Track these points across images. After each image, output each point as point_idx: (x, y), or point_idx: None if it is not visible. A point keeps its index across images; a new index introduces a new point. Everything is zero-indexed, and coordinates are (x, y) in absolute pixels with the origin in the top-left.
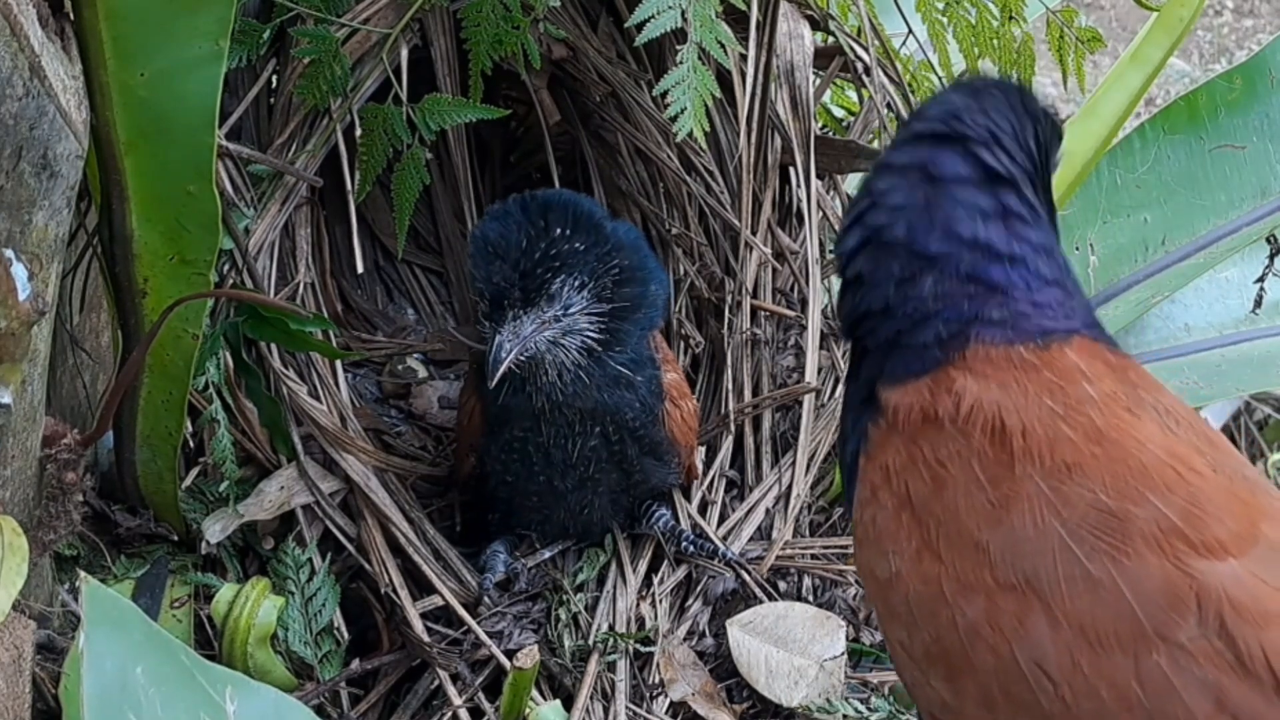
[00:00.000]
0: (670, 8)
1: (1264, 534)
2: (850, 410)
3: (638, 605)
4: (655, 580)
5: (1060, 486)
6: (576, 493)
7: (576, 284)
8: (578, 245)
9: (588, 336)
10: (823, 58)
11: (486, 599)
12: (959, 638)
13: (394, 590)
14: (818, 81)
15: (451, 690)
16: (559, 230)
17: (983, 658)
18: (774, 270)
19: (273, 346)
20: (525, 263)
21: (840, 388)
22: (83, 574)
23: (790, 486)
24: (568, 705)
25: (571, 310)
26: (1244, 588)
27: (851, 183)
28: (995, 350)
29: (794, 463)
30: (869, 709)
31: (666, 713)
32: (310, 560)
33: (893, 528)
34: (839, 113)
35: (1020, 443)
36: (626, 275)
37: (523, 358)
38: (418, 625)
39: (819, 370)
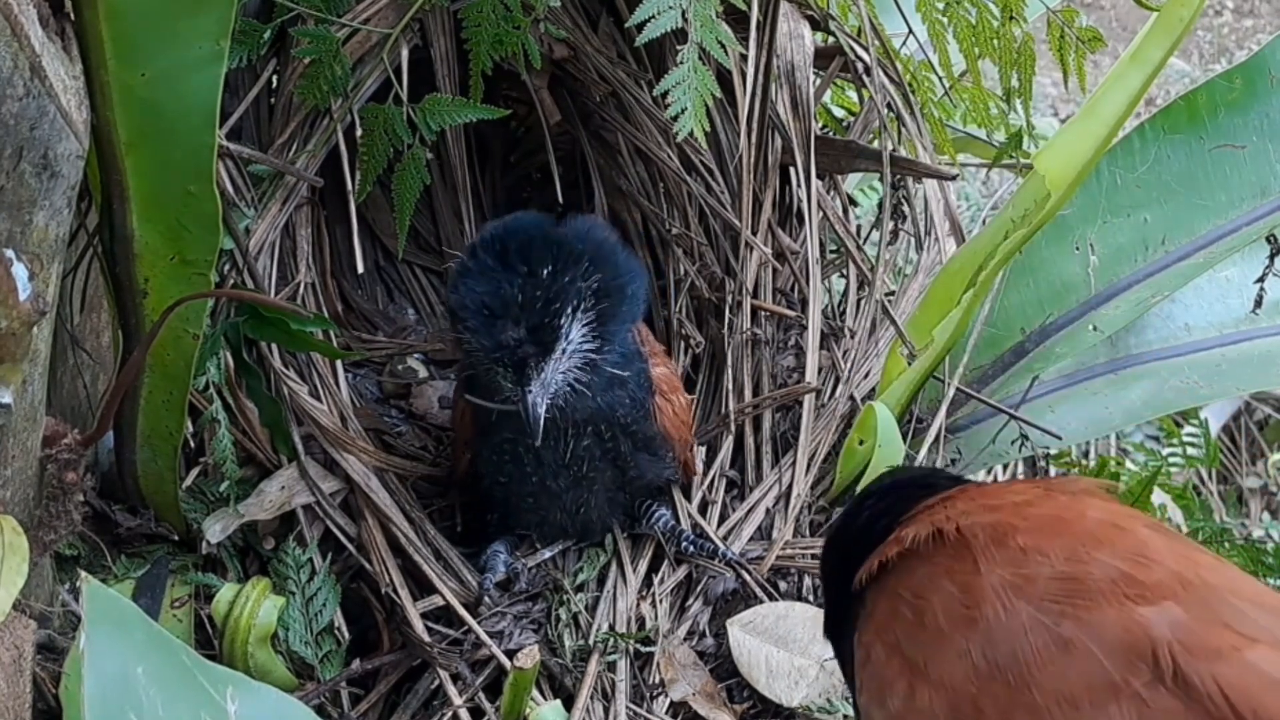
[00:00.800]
0: (670, 8)
1: (1204, 578)
2: (836, 624)
3: (638, 605)
4: (655, 580)
5: (1020, 569)
6: (572, 492)
7: (572, 312)
8: (564, 278)
9: (586, 351)
10: (823, 58)
11: (487, 599)
12: None
13: (394, 590)
14: (818, 81)
15: (452, 690)
16: (544, 270)
17: None
18: (774, 270)
19: (273, 346)
20: (531, 316)
21: (838, 393)
22: (83, 574)
23: (790, 486)
24: (568, 705)
25: (573, 339)
26: (1191, 627)
27: (851, 183)
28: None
29: (794, 462)
30: None
31: (667, 713)
32: (311, 560)
33: (889, 675)
34: (839, 113)
35: (979, 543)
36: (604, 279)
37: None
38: (418, 625)
39: (819, 370)
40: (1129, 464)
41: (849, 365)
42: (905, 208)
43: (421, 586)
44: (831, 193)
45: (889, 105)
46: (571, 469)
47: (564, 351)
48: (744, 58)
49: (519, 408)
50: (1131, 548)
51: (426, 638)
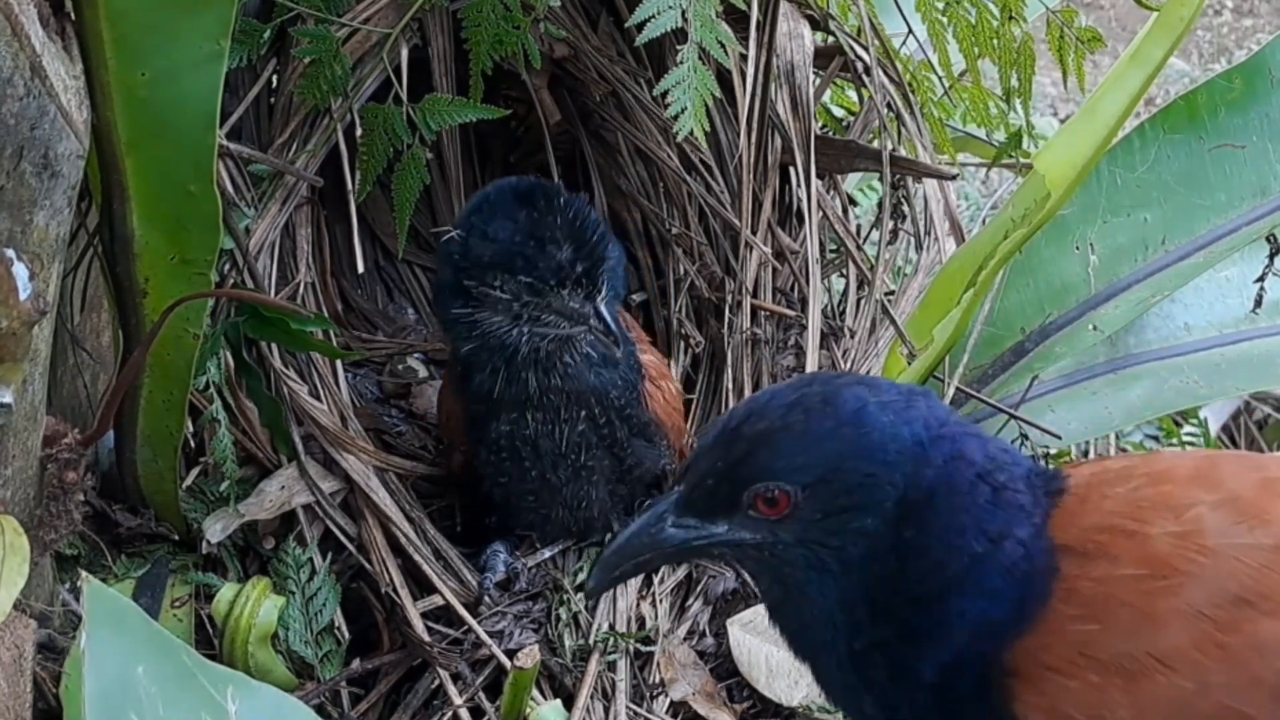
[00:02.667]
0: (670, 8)
1: None
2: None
3: (638, 605)
4: (655, 580)
5: (1178, 518)
6: (572, 484)
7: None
8: (587, 209)
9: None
10: (823, 58)
11: (487, 598)
12: None
13: (394, 590)
14: (818, 81)
15: (452, 690)
16: (560, 201)
17: None
18: (774, 270)
19: (273, 346)
20: (576, 233)
21: None
22: (84, 573)
23: None
24: (568, 705)
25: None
26: None
27: (851, 182)
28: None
29: None
30: None
31: (667, 712)
32: (311, 560)
33: (1091, 699)
34: (839, 112)
35: (1159, 575)
36: (606, 243)
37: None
38: (418, 625)
39: (819, 369)
40: None
41: (849, 365)
42: (905, 207)
43: (421, 586)
44: (831, 192)
45: (889, 105)
46: (570, 459)
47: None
48: (744, 57)
49: (589, 323)
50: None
51: (426, 637)
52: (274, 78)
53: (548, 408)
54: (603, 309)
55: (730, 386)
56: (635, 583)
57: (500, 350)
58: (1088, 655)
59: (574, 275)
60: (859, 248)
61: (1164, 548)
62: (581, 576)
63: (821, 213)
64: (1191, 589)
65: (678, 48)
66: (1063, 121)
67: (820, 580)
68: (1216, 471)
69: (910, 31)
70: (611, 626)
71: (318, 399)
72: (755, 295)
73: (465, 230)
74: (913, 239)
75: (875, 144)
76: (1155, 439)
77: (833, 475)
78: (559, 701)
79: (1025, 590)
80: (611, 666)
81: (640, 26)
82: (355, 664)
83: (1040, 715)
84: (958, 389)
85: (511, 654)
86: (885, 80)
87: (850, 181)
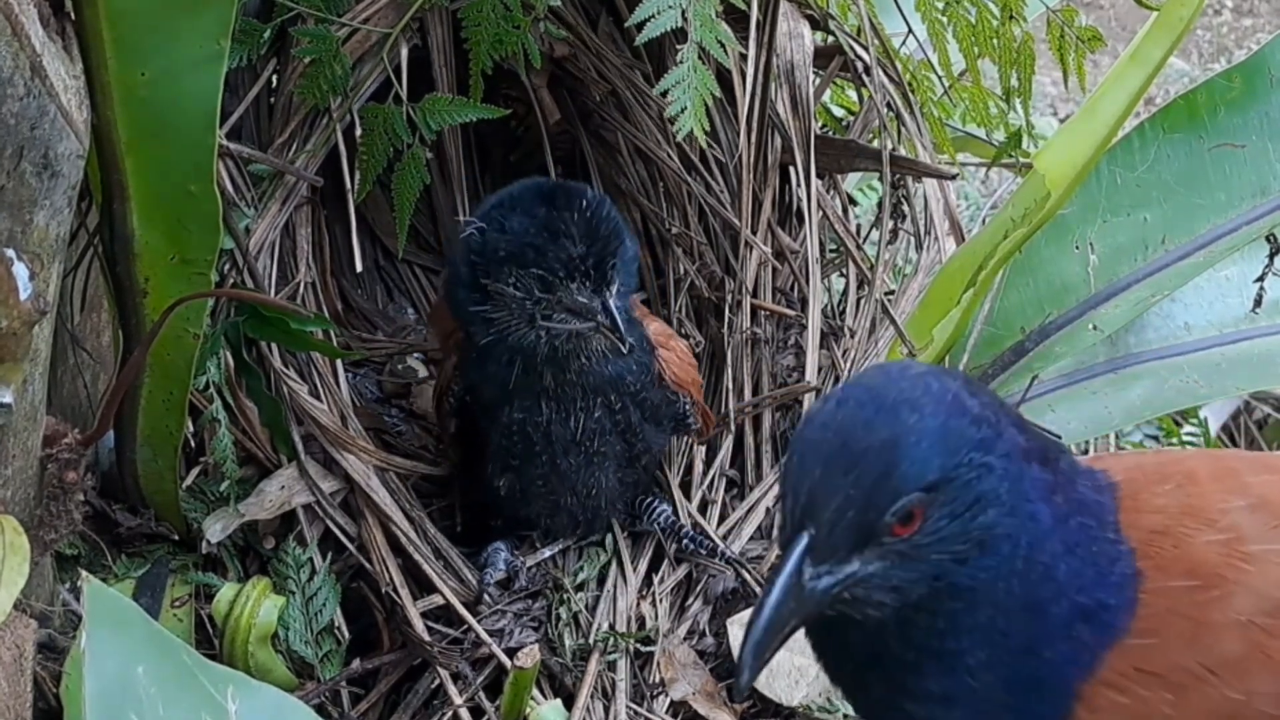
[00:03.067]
0: (670, 7)
1: None
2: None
3: (638, 604)
4: (655, 579)
5: (1216, 525)
6: (584, 471)
7: (620, 252)
8: (604, 208)
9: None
10: (823, 57)
11: (487, 597)
12: None
13: (394, 589)
14: (818, 81)
15: (452, 689)
16: (581, 202)
17: None
18: (774, 270)
19: (273, 346)
20: (589, 231)
21: None
22: (84, 573)
23: None
24: (568, 704)
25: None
26: None
27: (851, 182)
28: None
29: None
30: None
31: (667, 712)
32: (311, 560)
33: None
34: (839, 112)
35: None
36: (620, 242)
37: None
38: (418, 624)
39: (819, 370)
40: None
41: (849, 365)
42: (905, 207)
43: (421, 586)
44: (831, 192)
45: (889, 105)
46: (583, 445)
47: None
48: (744, 57)
49: (597, 320)
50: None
51: (426, 637)
52: (274, 78)
53: (564, 399)
54: (611, 304)
55: (730, 386)
56: (635, 582)
57: (516, 349)
58: (1142, 670)
59: (583, 268)
60: (859, 247)
61: (1211, 556)
62: (582, 576)
63: (821, 212)
64: (1240, 598)
65: (677, 47)
66: (1063, 121)
67: (948, 599)
68: (1237, 474)
69: (910, 31)
70: (611, 626)
71: (318, 399)
72: (755, 295)
73: (483, 225)
74: (913, 239)
75: (875, 144)
76: (1155, 439)
77: (954, 472)
78: (559, 701)
79: (1122, 598)
80: (611, 666)
81: (640, 26)
82: (355, 664)
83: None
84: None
85: (512, 653)
86: (885, 80)
87: (850, 181)
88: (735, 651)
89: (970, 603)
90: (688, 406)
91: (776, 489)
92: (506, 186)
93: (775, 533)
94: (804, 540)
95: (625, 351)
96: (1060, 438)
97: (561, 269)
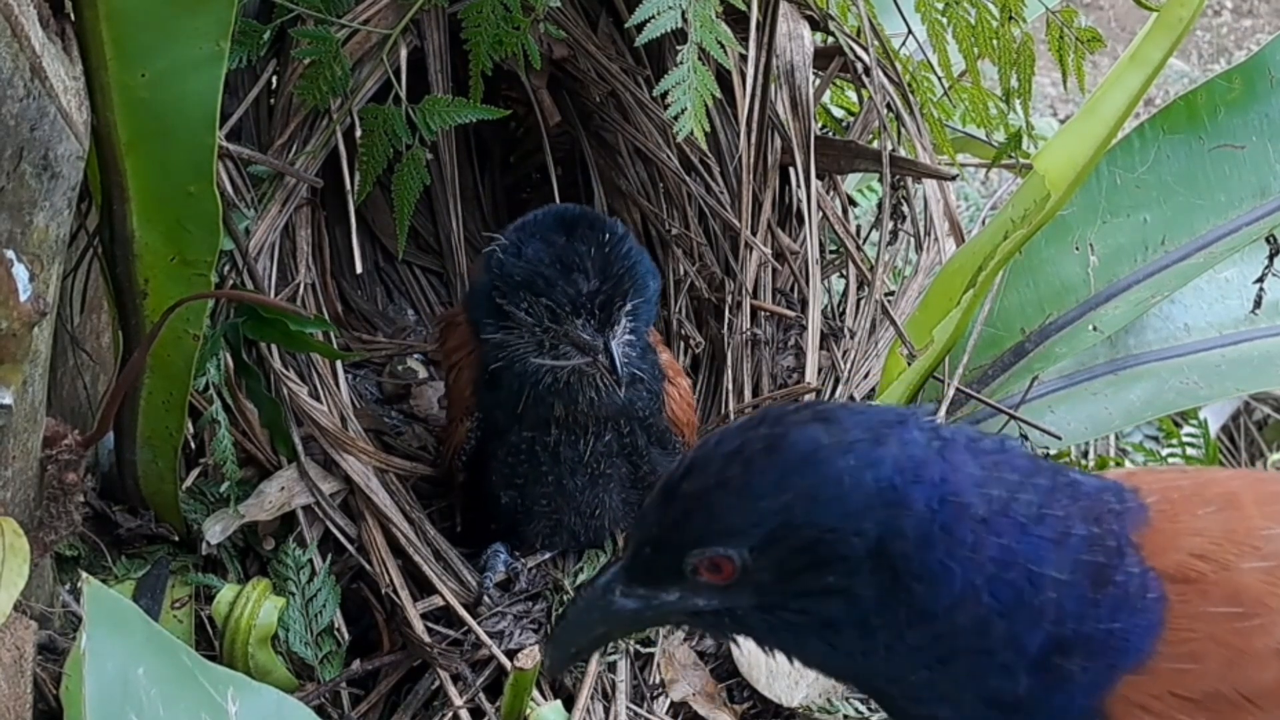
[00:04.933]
0: (670, 8)
1: None
2: None
3: None
4: None
5: (1257, 550)
6: (589, 491)
7: (633, 290)
8: (625, 248)
9: (629, 345)
10: (822, 58)
11: (487, 599)
12: None
13: (394, 591)
14: (817, 81)
15: (452, 690)
16: (603, 236)
17: None
18: (774, 270)
19: (273, 347)
20: (605, 267)
21: (838, 393)
22: (84, 574)
23: None
24: (568, 705)
25: (629, 317)
26: None
27: (851, 183)
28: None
29: None
30: (869, 709)
31: (667, 713)
32: (311, 561)
33: None
34: (838, 113)
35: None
36: (643, 277)
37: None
38: (418, 625)
39: (819, 370)
40: (1129, 464)
41: (849, 365)
42: (905, 208)
43: (421, 587)
44: (831, 193)
45: (888, 105)
46: (589, 467)
47: (627, 324)
48: (743, 58)
49: (597, 359)
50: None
51: (426, 638)
52: (274, 79)
53: (572, 426)
54: (613, 345)
55: (730, 387)
56: None
57: (524, 376)
58: (1179, 695)
59: (590, 306)
60: (859, 248)
61: (1253, 583)
62: (582, 577)
63: (821, 213)
64: None
65: (677, 48)
66: (1062, 122)
67: (815, 641)
68: (1274, 499)
69: (910, 32)
70: None
71: (318, 400)
72: (755, 296)
73: (511, 239)
74: (912, 239)
75: (875, 144)
76: (1155, 439)
77: (782, 533)
78: (559, 702)
79: (1131, 622)
80: (612, 667)
81: (640, 27)
82: (355, 665)
83: None
84: (957, 390)
85: (512, 654)
86: (885, 81)
87: (850, 182)
88: (734, 651)
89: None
90: (678, 444)
91: None
92: (535, 210)
93: None
94: (620, 563)
95: (620, 392)
96: (1060, 438)
97: (568, 303)
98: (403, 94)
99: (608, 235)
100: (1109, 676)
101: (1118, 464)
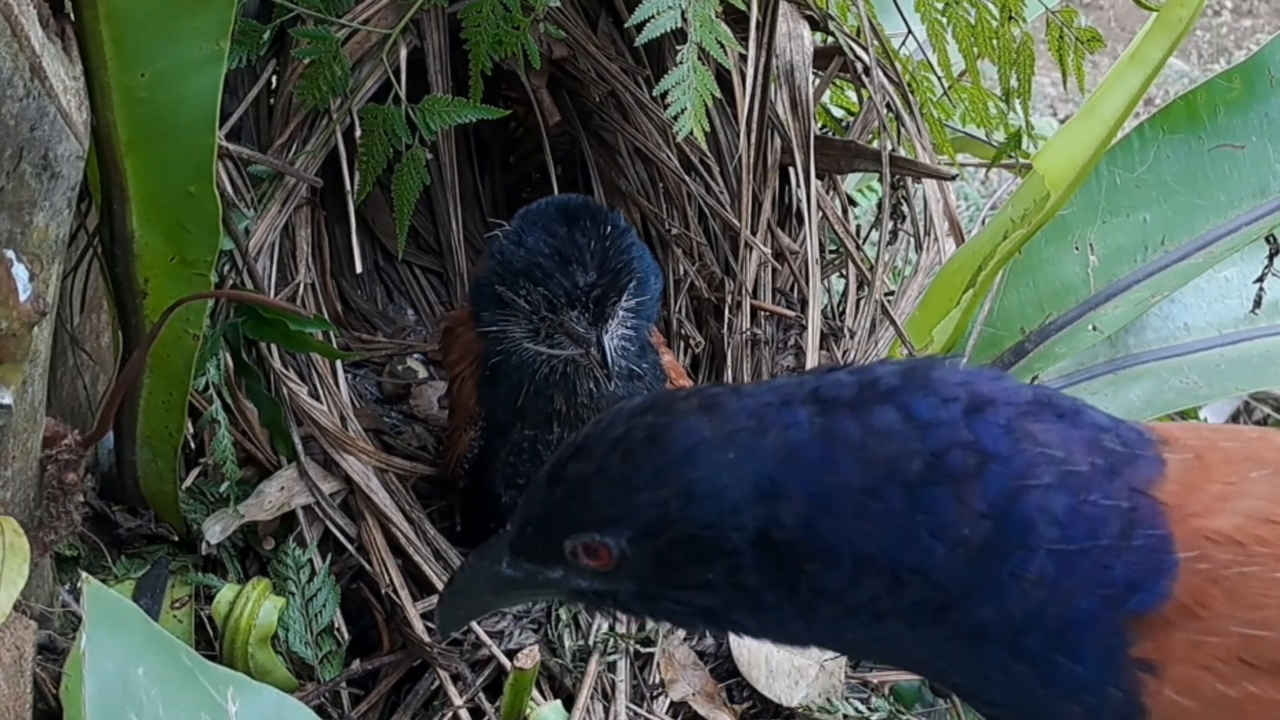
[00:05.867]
0: (670, 8)
1: None
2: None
3: None
4: None
5: None
6: None
7: (631, 286)
8: (626, 241)
9: (626, 340)
10: (822, 58)
11: None
12: None
13: (394, 590)
14: (817, 81)
15: (452, 690)
16: (605, 229)
17: None
18: (774, 270)
19: (273, 347)
20: (603, 261)
21: None
22: (84, 574)
23: None
24: (568, 705)
25: (627, 312)
26: None
27: (851, 183)
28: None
29: None
30: (869, 709)
31: (667, 713)
32: (310, 561)
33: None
34: (838, 113)
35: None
36: (644, 274)
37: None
38: (418, 625)
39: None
40: None
41: (849, 365)
42: (904, 208)
43: (421, 586)
44: (831, 193)
45: (888, 105)
46: None
47: (624, 318)
48: (743, 58)
49: (590, 351)
50: None
51: (426, 638)
52: (274, 79)
53: (574, 421)
54: (606, 339)
55: None
56: None
57: (523, 367)
58: (1247, 662)
59: (585, 299)
60: (859, 248)
61: None
62: None
63: (821, 213)
64: None
65: (677, 48)
66: (1062, 122)
67: (700, 624)
68: None
69: (910, 32)
70: (611, 627)
71: (317, 400)
72: (755, 296)
73: (515, 226)
74: (912, 239)
75: (875, 144)
76: None
77: (660, 527)
78: (559, 702)
79: (1125, 562)
80: (611, 667)
81: (640, 27)
82: (355, 665)
83: (1184, 717)
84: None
85: (511, 654)
86: (885, 80)
87: (850, 182)
88: (734, 651)
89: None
90: None
91: None
92: (543, 199)
93: None
94: (508, 535)
95: (610, 385)
96: None
97: (564, 294)
98: (403, 94)
99: (609, 228)
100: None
101: None
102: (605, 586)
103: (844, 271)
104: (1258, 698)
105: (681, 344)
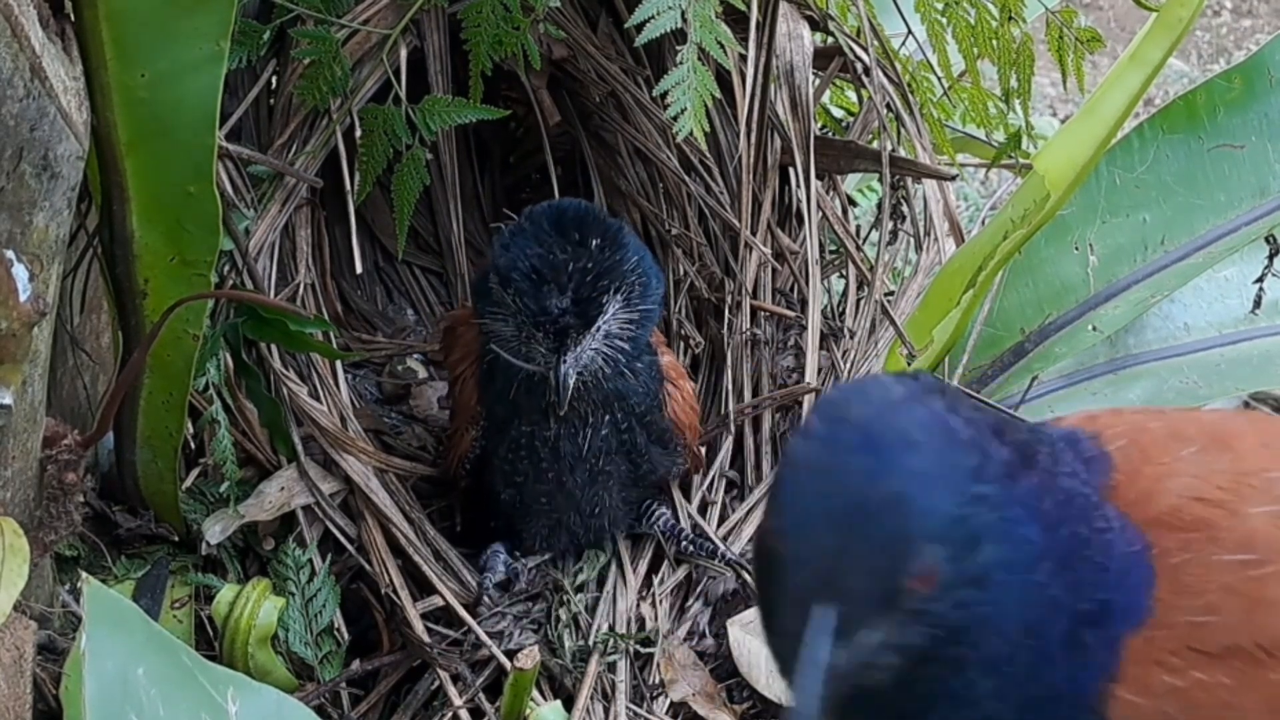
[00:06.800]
0: (670, 8)
1: None
2: None
3: (638, 605)
4: (655, 580)
5: (1269, 491)
6: (588, 489)
7: (614, 292)
8: (614, 255)
9: (619, 344)
10: (822, 58)
11: (487, 599)
12: None
13: (394, 591)
14: (817, 82)
15: (452, 691)
16: (594, 243)
17: None
18: (774, 270)
19: (273, 347)
20: (579, 286)
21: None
22: (84, 574)
23: None
24: (568, 706)
25: (610, 319)
26: None
27: (851, 183)
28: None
29: None
30: None
31: (667, 713)
32: (310, 561)
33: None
34: (838, 113)
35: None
36: (644, 279)
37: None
38: (418, 626)
39: (819, 371)
40: None
41: (849, 365)
42: (904, 208)
43: (421, 587)
44: (831, 193)
45: (888, 105)
46: (589, 463)
47: (603, 330)
48: (743, 58)
49: (549, 375)
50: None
51: (426, 638)
52: (274, 79)
53: (570, 416)
54: (562, 369)
55: (730, 387)
56: (635, 583)
57: (511, 364)
58: (1196, 649)
59: (550, 326)
60: (859, 248)
61: (1264, 527)
62: (582, 577)
63: (821, 213)
64: None
65: (677, 48)
66: (1062, 122)
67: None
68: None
69: (910, 32)
70: (611, 627)
71: (317, 400)
72: (755, 296)
73: (511, 228)
74: (912, 239)
75: (874, 144)
76: None
77: (957, 510)
78: (559, 702)
79: (1125, 582)
80: (611, 667)
81: (640, 27)
82: (355, 665)
83: (1140, 716)
84: (957, 389)
85: (511, 655)
86: (884, 81)
87: (850, 182)
88: (734, 652)
89: (970, 642)
90: (679, 447)
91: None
92: (546, 201)
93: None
94: (830, 619)
95: (561, 411)
96: None
97: (530, 317)
98: (403, 94)
99: (598, 242)
100: (1115, 648)
101: None
102: (932, 614)
103: (844, 272)
104: (1205, 684)
105: (681, 344)
